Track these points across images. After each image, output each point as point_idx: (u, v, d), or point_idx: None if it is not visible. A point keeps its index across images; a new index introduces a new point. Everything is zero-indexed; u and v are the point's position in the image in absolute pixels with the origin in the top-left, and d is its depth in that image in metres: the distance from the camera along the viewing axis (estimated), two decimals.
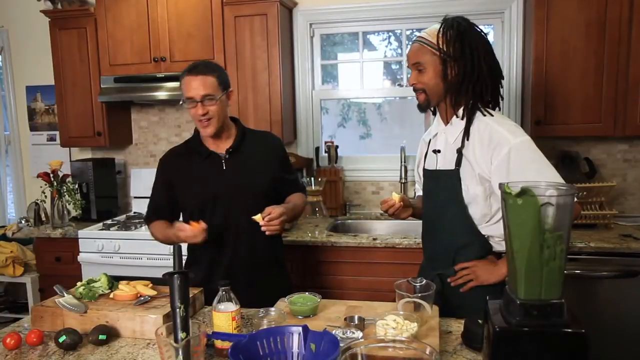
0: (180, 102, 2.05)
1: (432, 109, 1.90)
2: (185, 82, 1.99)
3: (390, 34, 3.68)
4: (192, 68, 2.00)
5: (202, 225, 1.90)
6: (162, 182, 2.17)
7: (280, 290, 1.91)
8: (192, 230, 1.91)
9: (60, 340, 1.49)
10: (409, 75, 1.90)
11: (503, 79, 1.85)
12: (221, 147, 2.09)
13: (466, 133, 1.78)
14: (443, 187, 1.84)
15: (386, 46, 3.81)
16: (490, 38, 3.34)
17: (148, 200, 2.25)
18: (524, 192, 1.10)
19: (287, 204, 2.11)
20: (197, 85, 1.96)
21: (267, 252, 2.13)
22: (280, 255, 2.25)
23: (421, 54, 1.79)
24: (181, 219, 2.18)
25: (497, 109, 1.84)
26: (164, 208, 2.18)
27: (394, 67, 3.72)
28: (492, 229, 1.78)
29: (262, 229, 1.93)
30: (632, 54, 2.75)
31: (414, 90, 1.85)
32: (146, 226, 2.27)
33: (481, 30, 1.80)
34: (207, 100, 1.96)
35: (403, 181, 3.34)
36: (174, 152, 2.21)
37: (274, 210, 1.94)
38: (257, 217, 1.93)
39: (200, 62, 2.05)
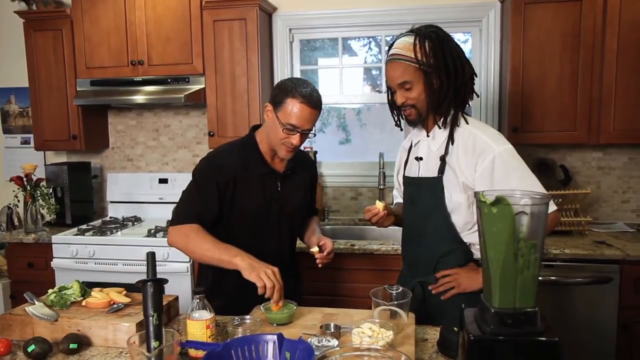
0: (279, 121, 1.85)
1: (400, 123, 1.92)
2: (297, 108, 1.83)
3: (370, 39, 3.69)
4: (308, 96, 1.84)
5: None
6: (215, 182, 1.90)
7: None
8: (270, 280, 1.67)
9: (29, 349, 1.45)
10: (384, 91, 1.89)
11: (477, 76, 1.86)
12: (278, 166, 2.01)
13: (450, 140, 1.79)
14: (425, 194, 1.84)
15: (366, 52, 3.82)
16: (468, 46, 3.38)
17: (178, 203, 1.96)
18: (499, 200, 1.10)
19: (320, 234, 2.08)
20: (310, 118, 1.86)
21: (290, 272, 2.04)
22: (298, 280, 2.20)
23: (405, 72, 1.75)
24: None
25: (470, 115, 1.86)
26: (210, 211, 1.92)
27: (374, 72, 3.73)
28: (474, 237, 1.78)
29: (318, 261, 1.92)
30: (605, 63, 2.80)
31: (402, 107, 1.82)
32: (171, 227, 1.93)
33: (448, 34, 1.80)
34: (305, 134, 1.89)
35: (382, 187, 3.35)
36: (233, 155, 1.98)
37: (329, 244, 1.94)
38: (315, 250, 1.93)
39: (314, 91, 1.88)
